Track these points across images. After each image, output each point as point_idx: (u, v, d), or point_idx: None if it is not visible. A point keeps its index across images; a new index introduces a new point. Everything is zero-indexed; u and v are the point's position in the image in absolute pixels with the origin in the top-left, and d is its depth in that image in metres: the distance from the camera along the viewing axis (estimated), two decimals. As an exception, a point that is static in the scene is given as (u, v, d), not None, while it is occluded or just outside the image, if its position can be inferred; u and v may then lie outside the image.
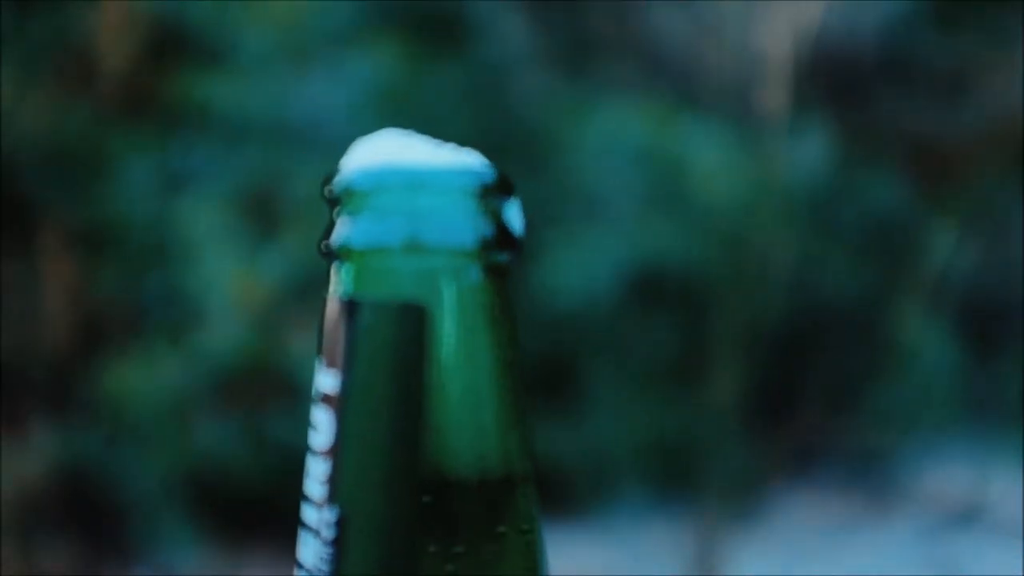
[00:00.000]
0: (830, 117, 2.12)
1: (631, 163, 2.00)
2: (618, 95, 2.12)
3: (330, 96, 1.84)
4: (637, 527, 1.84)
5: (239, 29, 1.87)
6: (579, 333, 1.93)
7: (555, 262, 1.87)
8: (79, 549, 1.71)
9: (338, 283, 0.29)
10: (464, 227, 0.28)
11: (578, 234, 1.92)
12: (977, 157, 2.28)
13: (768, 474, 1.96)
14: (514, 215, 0.29)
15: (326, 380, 0.29)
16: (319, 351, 0.29)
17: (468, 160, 0.29)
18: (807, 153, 2.05)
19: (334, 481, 0.28)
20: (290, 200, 1.82)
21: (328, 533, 0.28)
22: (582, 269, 1.88)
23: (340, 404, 0.28)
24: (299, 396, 1.74)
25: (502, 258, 0.29)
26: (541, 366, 1.85)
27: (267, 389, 1.76)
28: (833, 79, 2.17)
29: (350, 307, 0.28)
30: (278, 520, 1.76)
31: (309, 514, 0.29)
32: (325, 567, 0.28)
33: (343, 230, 0.29)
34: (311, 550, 0.28)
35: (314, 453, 0.29)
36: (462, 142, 0.30)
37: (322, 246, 0.29)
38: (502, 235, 0.29)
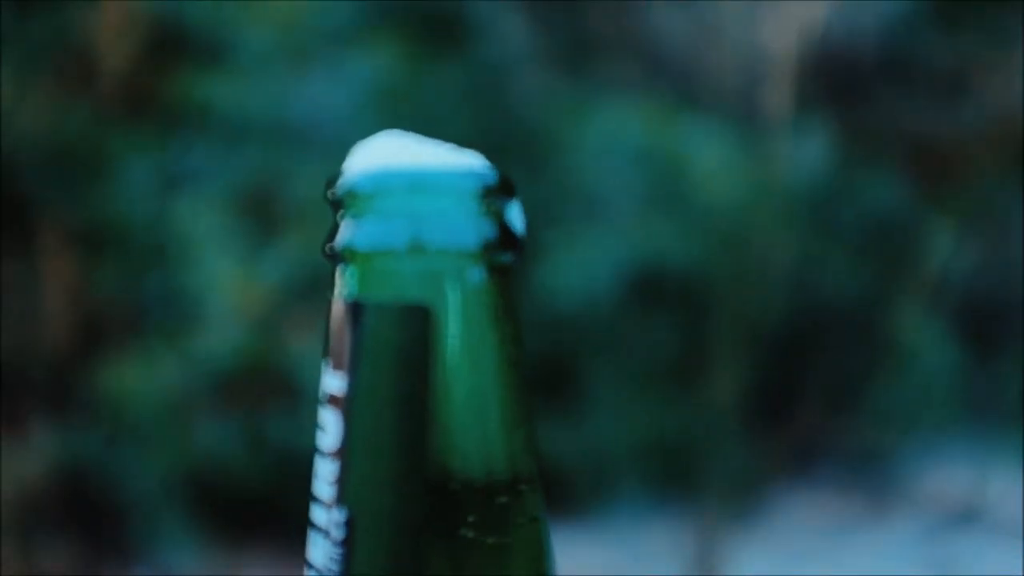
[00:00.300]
0: (830, 117, 2.12)
1: (631, 163, 1.99)
2: (618, 95, 2.12)
3: (330, 96, 1.84)
4: (637, 527, 1.84)
5: (239, 29, 1.87)
6: (579, 333, 1.93)
7: (555, 262, 1.87)
8: (79, 549, 1.71)
9: (342, 285, 0.29)
10: (467, 229, 0.28)
11: (578, 234, 1.92)
12: (977, 157, 2.28)
13: (768, 474, 1.96)
14: (516, 216, 0.29)
15: (332, 382, 0.29)
16: (325, 353, 0.29)
17: (470, 162, 0.29)
18: (807, 153, 2.05)
19: (342, 482, 0.28)
20: (290, 200, 1.82)
21: (337, 533, 0.28)
22: (582, 269, 1.88)
23: (347, 405, 0.28)
24: (299, 396, 1.74)
25: (505, 259, 0.29)
26: (541, 366, 1.85)
27: (267, 389, 1.76)
28: (833, 79, 2.17)
29: (355, 309, 0.28)
30: (278, 520, 1.76)
31: (318, 515, 0.29)
32: (335, 567, 0.28)
33: (347, 233, 0.29)
34: (321, 550, 0.29)
35: (322, 454, 0.29)
36: (462, 142, 0.30)
37: (326, 248, 0.30)
38: (504, 236, 0.29)
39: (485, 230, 0.29)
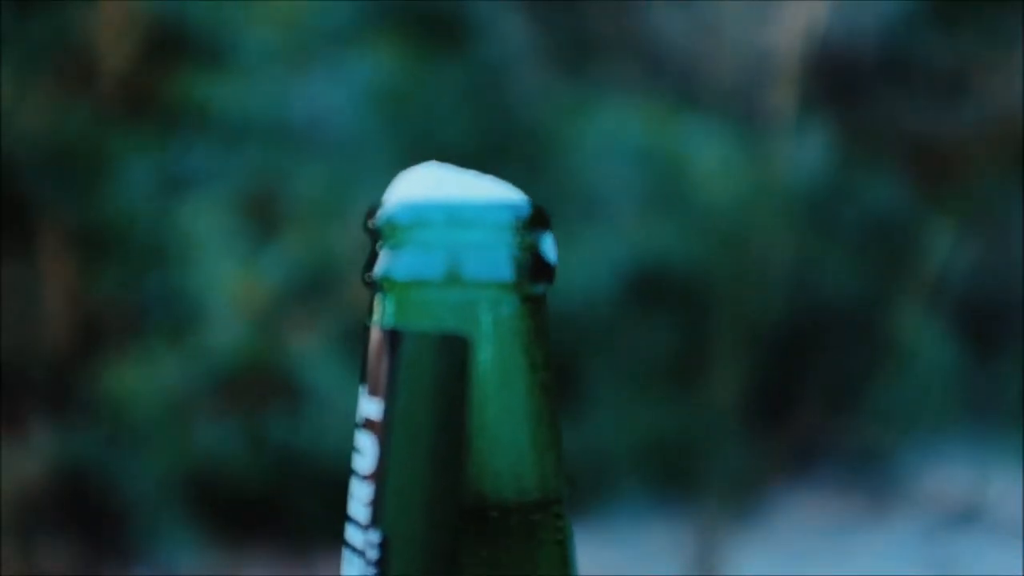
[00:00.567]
0: (830, 117, 2.12)
1: (631, 163, 2.00)
2: (618, 95, 2.12)
3: (330, 96, 1.84)
4: (637, 527, 1.84)
5: (239, 29, 1.87)
6: (579, 333, 1.94)
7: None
8: (79, 549, 1.71)
9: (380, 313, 0.30)
10: (502, 261, 0.29)
11: (578, 234, 1.92)
12: (977, 157, 2.28)
13: (768, 474, 1.96)
14: (549, 247, 0.30)
15: (369, 407, 0.30)
16: (362, 379, 0.30)
17: (506, 194, 0.30)
18: (807, 153, 2.05)
19: (377, 504, 0.29)
20: (290, 200, 1.82)
21: (372, 554, 0.29)
22: (582, 269, 1.88)
23: (383, 430, 0.29)
24: (299, 396, 1.74)
25: (538, 290, 0.30)
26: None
27: (267, 389, 1.76)
28: (833, 79, 2.17)
29: (392, 337, 0.29)
30: (278, 520, 1.76)
31: (353, 535, 0.30)
32: None
33: (385, 262, 0.30)
34: (356, 570, 0.30)
35: (358, 476, 0.30)
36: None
37: (364, 277, 0.30)
38: (538, 267, 0.30)
39: (520, 262, 0.29)
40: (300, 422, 1.72)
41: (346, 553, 0.30)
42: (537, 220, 0.30)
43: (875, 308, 2.12)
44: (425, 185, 0.30)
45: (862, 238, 2.17)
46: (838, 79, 2.20)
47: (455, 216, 0.29)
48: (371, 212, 0.31)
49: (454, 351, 0.29)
